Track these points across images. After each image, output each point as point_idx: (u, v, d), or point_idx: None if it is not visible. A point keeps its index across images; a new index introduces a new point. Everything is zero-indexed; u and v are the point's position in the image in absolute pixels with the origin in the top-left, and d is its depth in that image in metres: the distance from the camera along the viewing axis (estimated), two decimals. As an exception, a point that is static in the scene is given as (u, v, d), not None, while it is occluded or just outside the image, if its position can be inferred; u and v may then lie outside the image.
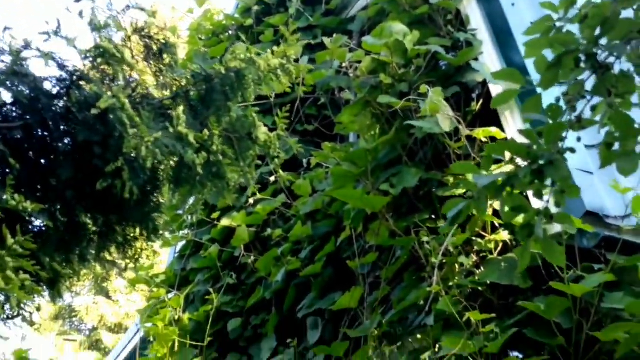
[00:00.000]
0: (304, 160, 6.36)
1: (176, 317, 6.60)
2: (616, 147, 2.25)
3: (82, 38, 3.48)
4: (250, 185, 4.02)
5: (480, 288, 4.17)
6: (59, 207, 3.37)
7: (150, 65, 3.63)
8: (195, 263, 7.05)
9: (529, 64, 2.97)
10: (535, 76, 2.54)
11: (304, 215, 5.87)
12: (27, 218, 3.30)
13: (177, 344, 6.45)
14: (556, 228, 3.79)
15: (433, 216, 4.53)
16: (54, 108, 3.32)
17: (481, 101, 4.78)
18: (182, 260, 7.33)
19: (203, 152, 3.35)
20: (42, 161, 3.41)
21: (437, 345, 4.15)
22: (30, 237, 2.93)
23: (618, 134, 2.20)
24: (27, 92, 3.36)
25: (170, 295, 6.83)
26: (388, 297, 4.81)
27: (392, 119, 4.78)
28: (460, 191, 4.39)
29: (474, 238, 4.27)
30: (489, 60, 4.76)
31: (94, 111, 3.09)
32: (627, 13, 2.33)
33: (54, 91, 3.46)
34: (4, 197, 3.00)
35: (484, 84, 4.79)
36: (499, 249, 4.22)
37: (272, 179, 6.32)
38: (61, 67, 3.40)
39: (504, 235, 4.22)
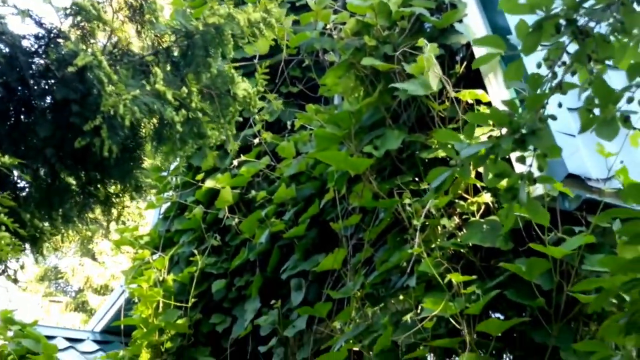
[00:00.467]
0: (288, 123, 6.35)
1: (160, 278, 6.63)
2: (597, 113, 2.25)
3: (60, -5, 3.45)
4: (231, 142, 4.01)
5: (462, 250, 4.19)
6: (39, 165, 3.35)
7: (131, 21, 3.60)
8: (179, 225, 7.05)
9: (513, 25, 2.96)
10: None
11: (288, 177, 5.87)
12: (10, 177, 3.29)
13: (161, 304, 6.48)
14: (538, 191, 3.81)
15: (416, 178, 4.53)
16: (32, 66, 3.29)
17: (465, 63, 4.76)
18: (167, 222, 7.34)
19: (182, 109, 3.33)
20: (22, 119, 3.39)
21: (419, 307, 4.17)
22: (9, 194, 2.91)
23: (598, 100, 2.19)
24: (6, 50, 3.32)
25: (154, 257, 6.85)
26: (371, 259, 4.84)
27: (375, 81, 4.77)
28: (444, 154, 4.39)
29: (456, 200, 4.28)
30: (473, 22, 4.74)
31: (71, 69, 3.06)
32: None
33: (32, 49, 3.42)
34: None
35: (468, 46, 4.77)
36: (481, 211, 4.23)
37: (256, 141, 6.31)
38: (39, 24, 3.36)
39: (486, 197, 4.23)
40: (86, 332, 9.00)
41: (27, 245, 3.53)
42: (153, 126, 3.42)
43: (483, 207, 4.23)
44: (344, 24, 4.98)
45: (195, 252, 6.52)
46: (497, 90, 4.44)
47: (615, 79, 2.71)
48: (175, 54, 3.57)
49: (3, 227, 3.01)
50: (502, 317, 4.12)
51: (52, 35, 3.40)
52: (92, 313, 18.41)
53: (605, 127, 2.17)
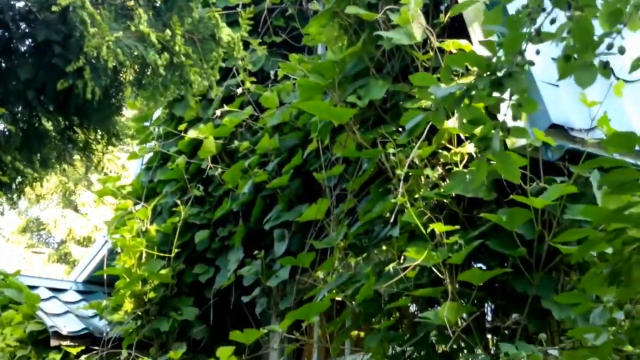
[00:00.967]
0: (271, 73, 6.31)
1: (143, 229, 6.63)
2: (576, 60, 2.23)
3: None
4: (214, 88, 3.97)
5: (445, 200, 4.19)
6: (20, 108, 3.32)
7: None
8: (162, 175, 7.03)
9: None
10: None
11: (271, 127, 5.85)
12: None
13: (144, 255, 6.49)
14: (521, 141, 3.80)
15: (400, 129, 4.51)
16: (13, 8, 3.24)
17: (449, 13, 4.72)
18: (149, 172, 7.32)
19: (165, 53, 3.29)
20: (2, 62, 3.35)
21: (402, 257, 4.19)
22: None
23: (577, 46, 2.17)
24: (-14, -8, 3.27)
25: (137, 207, 6.84)
26: (354, 209, 4.84)
27: (359, 30, 4.73)
28: (427, 103, 4.37)
29: (439, 150, 4.28)
30: (459, -30, 4.70)
31: (55, 8, 3.01)
32: None
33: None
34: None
35: (453, -5, 4.73)
36: (465, 161, 4.23)
37: (239, 91, 6.27)
38: (20, -36, 3.31)
39: (470, 148, 4.22)
40: (69, 282, 9.02)
41: (7, 186, 3.50)
42: (134, 71, 3.38)
43: (466, 157, 4.22)
44: (328, -28, 4.92)
45: (178, 202, 6.51)
46: (480, 39, 4.41)
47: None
48: (157, -1, 3.52)
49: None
50: (484, 267, 4.14)
51: (33, -24, 3.35)
52: (75, 265, 18.42)
53: (584, 73, 2.15)
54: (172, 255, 6.39)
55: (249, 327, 4.83)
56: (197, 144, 6.46)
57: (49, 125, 3.43)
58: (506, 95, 2.27)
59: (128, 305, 6.55)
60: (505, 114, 2.29)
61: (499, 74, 2.17)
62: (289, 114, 5.69)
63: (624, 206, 2.10)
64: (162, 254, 6.44)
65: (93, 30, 3.04)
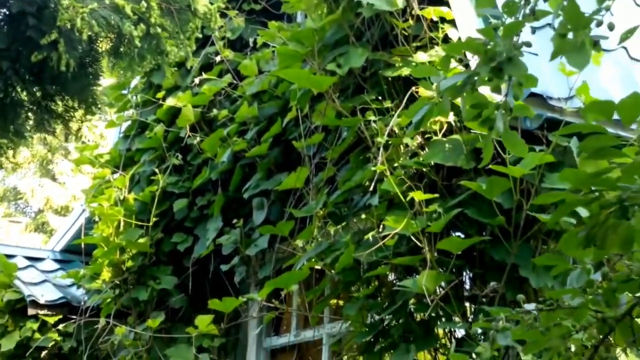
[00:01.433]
0: (250, 40, 6.26)
1: (121, 197, 6.60)
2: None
3: None
4: (190, 59, 3.94)
5: (424, 169, 4.19)
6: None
7: None
8: (140, 143, 6.98)
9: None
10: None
11: (250, 95, 5.82)
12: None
13: (122, 223, 6.46)
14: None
15: (379, 97, 4.50)
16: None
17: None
18: (127, 141, 7.27)
19: (141, 24, 3.26)
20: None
21: (381, 225, 4.20)
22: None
23: (569, 25, 2.17)
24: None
25: (115, 176, 6.80)
26: (333, 178, 4.84)
27: (339, -3, 4.70)
28: (406, 72, 4.36)
29: (419, 119, 4.27)
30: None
31: (28, -21, 2.97)
32: None
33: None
34: None
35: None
36: (444, 130, 4.23)
37: (218, 59, 6.22)
38: None
39: (449, 116, 4.22)
40: (46, 251, 8.97)
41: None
42: (110, 41, 3.34)
43: (446, 125, 4.22)
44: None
45: (157, 171, 6.48)
46: (461, 7, 4.40)
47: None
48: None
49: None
50: (462, 236, 4.16)
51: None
52: (52, 234, 18.36)
53: (576, 54, 2.16)
54: (151, 224, 6.37)
55: (227, 295, 4.84)
56: (175, 112, 6.42)
57: (24, 95, 3.39)
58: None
59: (106, 274, 6.54)
60: (506, 94, 2.31)
61: (499, 60, 2.18)
62: (268, 82, 5.66)
63: (602, 170, 2.11)
64: (140, 223, 6.42)
65: (67, 2, 3.00)
